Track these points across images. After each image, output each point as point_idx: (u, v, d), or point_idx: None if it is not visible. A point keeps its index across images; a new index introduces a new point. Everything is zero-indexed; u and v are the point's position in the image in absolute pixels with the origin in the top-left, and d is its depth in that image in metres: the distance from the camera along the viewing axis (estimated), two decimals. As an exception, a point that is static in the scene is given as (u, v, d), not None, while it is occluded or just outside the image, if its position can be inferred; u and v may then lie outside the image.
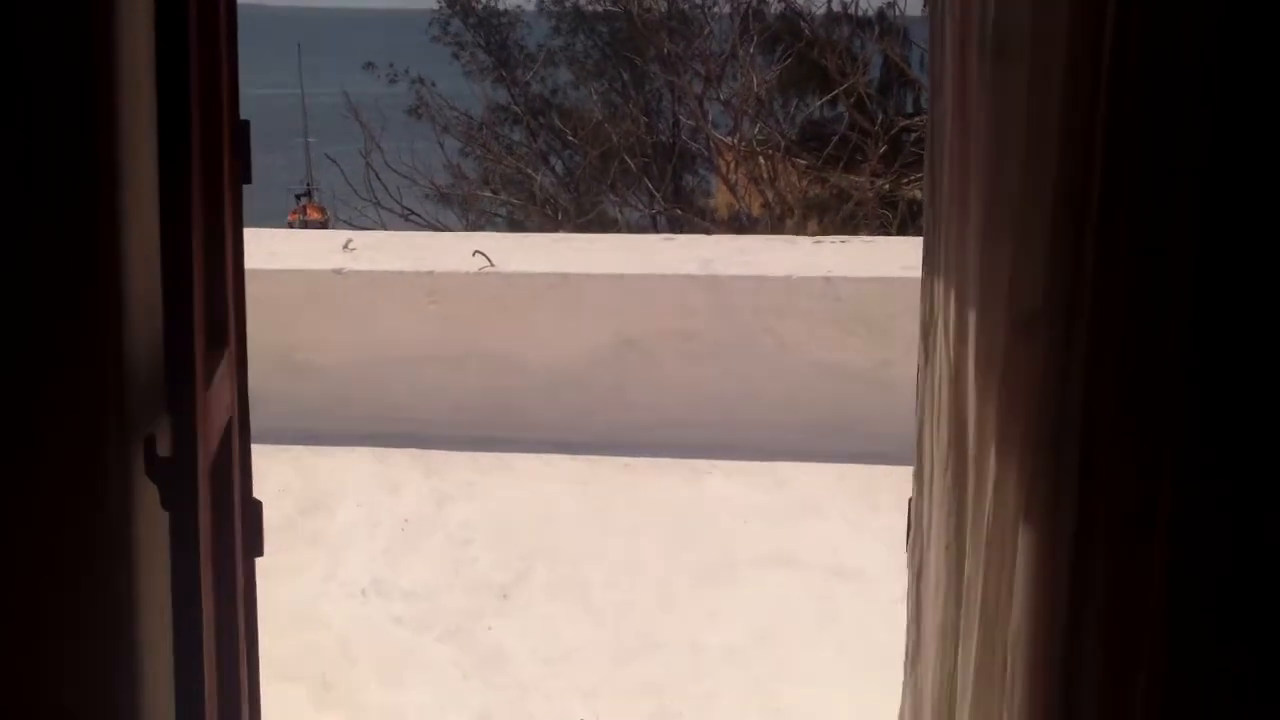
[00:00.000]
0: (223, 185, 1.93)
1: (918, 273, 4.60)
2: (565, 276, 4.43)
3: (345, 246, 4.65)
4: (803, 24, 15.54)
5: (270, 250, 4.59)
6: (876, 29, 18.79)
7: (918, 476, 2.03)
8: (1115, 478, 1.47)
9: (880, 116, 16.12)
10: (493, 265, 4.46)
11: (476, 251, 4.49)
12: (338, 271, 4.44)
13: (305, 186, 59.21)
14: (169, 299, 1.62)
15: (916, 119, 18.30)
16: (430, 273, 4.45)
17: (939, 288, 1.89)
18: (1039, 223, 1.52)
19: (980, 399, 1.68)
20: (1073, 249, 1.49)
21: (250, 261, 2.13)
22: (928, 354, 1.96)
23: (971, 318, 1.70)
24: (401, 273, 4.47)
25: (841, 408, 4.46)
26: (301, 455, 4.30)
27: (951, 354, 1.79)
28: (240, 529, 2.02)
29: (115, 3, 1.55)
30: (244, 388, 2.13)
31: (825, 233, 16.14)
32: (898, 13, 19.08)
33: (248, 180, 2.08)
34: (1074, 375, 1.50)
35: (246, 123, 2.06)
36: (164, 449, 1.62)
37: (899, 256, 4.55)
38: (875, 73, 18.69)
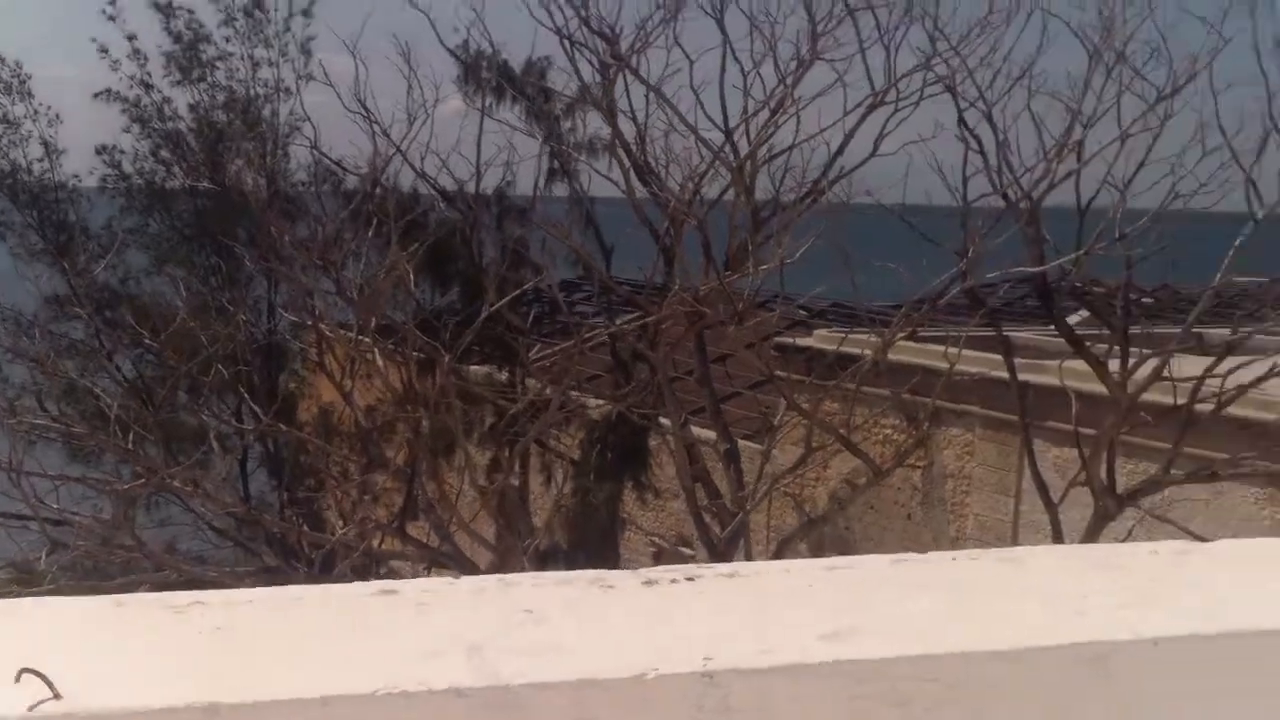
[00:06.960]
0: None
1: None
2: None
3: None
4: (423, 206, 13.86)
5: None
6: (495, 209, 17.40)
7: None
8: None
9: (498, 301, 14.63)
10: (58, 697, 2.16)
11: (25, 670, 2.18)
12: None
13: None
14: None
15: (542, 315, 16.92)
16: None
17: None
18: None
19: None
20: None
21: None
22: None
23: None
24: None
25: None
26: None
27: None
28: None
29: None
30: None
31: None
32: (517, 191, 17.89)
33: None
34: None
35: None
36: None
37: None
38: (496, 252, 17.47)
